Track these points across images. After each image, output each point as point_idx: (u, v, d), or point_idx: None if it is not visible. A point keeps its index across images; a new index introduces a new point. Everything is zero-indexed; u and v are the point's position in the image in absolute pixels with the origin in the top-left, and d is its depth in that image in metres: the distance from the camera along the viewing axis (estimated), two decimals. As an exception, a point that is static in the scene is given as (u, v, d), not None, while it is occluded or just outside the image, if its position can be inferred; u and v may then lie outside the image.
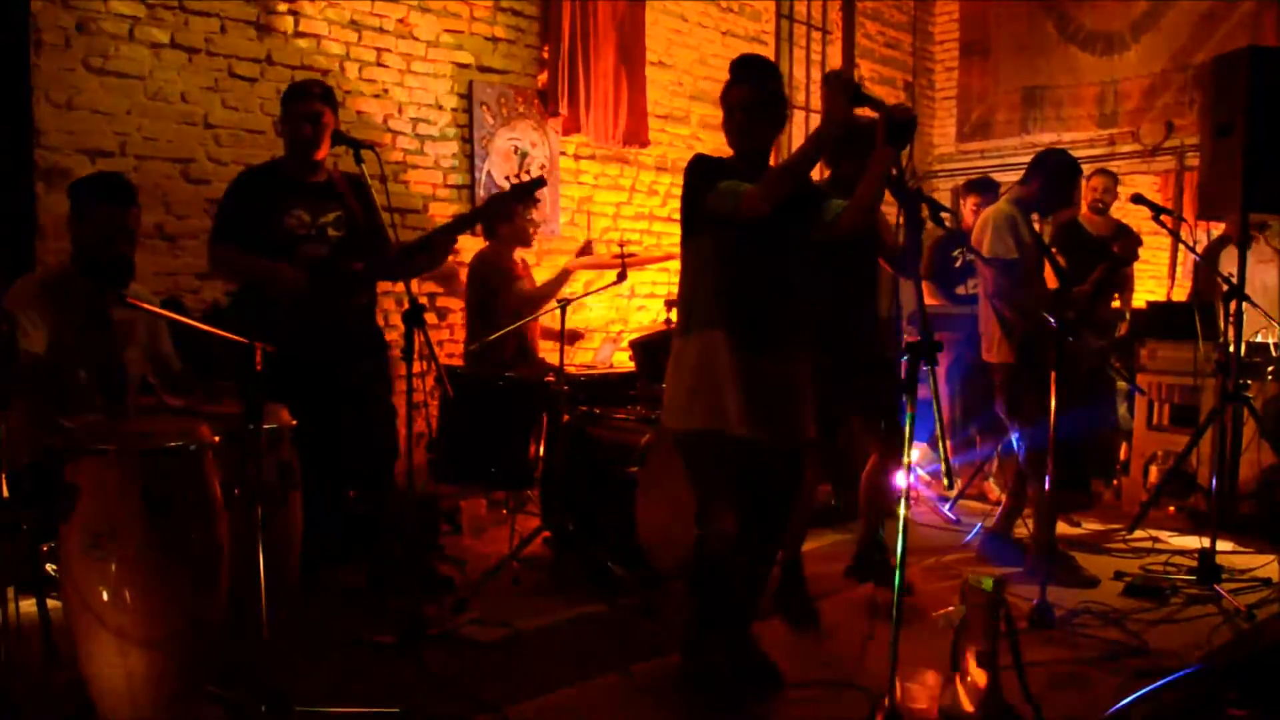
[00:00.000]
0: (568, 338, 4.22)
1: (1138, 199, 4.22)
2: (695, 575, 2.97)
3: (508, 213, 4.61)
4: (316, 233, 3.47)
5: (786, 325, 2.89)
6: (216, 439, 2.55)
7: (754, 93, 2.87)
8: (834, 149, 3.57)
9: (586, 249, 5.06)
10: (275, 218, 3.42)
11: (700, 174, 2.85)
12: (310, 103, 3.46)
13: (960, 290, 5.29)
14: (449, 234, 3.66)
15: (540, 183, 3.63)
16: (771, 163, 2.99)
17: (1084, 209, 5.43)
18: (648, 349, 4.56)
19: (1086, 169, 5.63)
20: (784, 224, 2.82)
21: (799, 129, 7.46)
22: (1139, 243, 4.46)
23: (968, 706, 2.64)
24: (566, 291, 4.48)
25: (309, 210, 3.47)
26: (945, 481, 2.45)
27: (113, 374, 3.06)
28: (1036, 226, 4.16)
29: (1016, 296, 3.98)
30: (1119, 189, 5.66)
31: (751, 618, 3.04)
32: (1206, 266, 5.39)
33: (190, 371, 3.26)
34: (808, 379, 2.94)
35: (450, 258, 5.33)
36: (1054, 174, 4.02)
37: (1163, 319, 5.41)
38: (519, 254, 4.76)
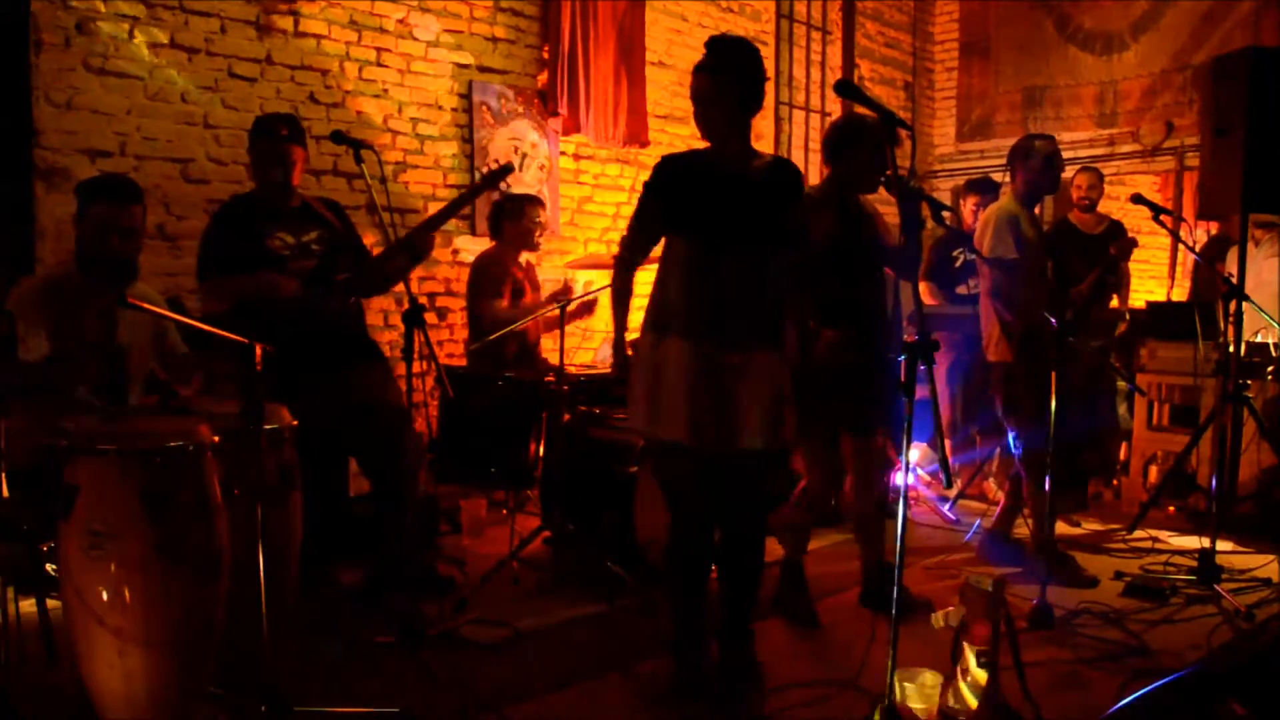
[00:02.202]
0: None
1: (1137, 199, 4.22)
2: (664, 580, 2.96)
3: (514, 213, 4.60)
4: (300, 251, 3.48)
5: (744, 331, 2.81)
6: (216, 439, 2.55)
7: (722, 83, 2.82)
8: (833, 146, 3.55)
9: (564, 292, 4.43)
10: (259, 241, 3.41)
11: (651, 185, 2.87)
12: (278, 144, 3.42)
13: (961, 290, 5.29)
14: (423, 232, 3.50)
15: (508, 169, 3.54)
16: (753, 143, 2.94)
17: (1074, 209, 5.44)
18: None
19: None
20: (744, 233, 2.78)
21: (799, 129, 7.47)
22: (1134, 244, 4.46)
23: (968, 706, 2.64)
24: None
25: (290, 232, 3.48)
26: (945, 482, 2.44)
27: (113, 374, 3.06)
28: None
29: (1015, 296, 3.98)
30: (1118, 189, 5.66)
31: (740, 622, 2.99)
32: (1206, 266, 5.38)
33: (192, 356, 3.26)
34: (768, 385, 2.82)
35: (452, 255, 5.35)
36: (1027, 157, 4.04)
37: (1163, 319, 5.41)
38: (524, 257, 4.75)
